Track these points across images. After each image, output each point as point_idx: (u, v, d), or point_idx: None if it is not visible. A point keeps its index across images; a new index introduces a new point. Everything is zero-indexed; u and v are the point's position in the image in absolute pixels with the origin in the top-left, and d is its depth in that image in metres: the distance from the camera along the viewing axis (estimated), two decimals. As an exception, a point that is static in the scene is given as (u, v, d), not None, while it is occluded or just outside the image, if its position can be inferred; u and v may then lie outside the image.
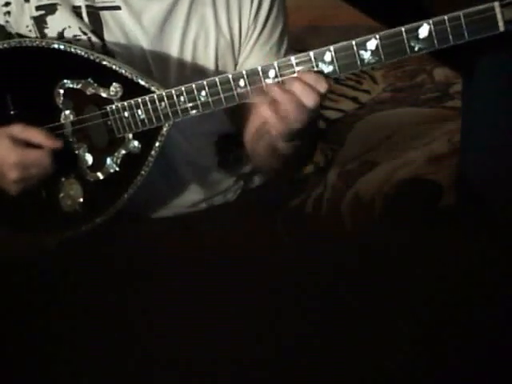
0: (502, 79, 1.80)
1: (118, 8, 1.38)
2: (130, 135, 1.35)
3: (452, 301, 1.35)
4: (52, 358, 1.28)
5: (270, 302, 1.32)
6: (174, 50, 1.42)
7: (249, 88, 1.24)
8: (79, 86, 1.35)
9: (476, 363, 1.24)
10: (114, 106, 1.34)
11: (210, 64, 1.45)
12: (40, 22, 1.39)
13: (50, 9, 1.38)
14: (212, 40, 1.44)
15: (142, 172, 1.36)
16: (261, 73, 1.23)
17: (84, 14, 1.38)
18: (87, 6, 1.38)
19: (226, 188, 1.62)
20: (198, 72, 1.43)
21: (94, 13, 1.38)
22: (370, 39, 1.17)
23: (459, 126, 2.04)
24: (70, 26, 1.38)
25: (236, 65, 1.49)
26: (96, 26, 1.38)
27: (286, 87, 1.21)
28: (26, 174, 1.34)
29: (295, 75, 1.21)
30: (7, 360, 1.27)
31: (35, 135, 1.34)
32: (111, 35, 1.39)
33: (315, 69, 1.21)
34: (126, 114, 1.33)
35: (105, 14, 1.38)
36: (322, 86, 1.20)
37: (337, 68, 1.20)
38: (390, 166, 2.37)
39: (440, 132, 2.50)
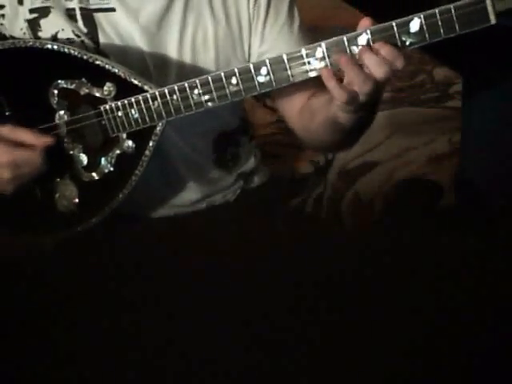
0: (502, 79, 1.80)
1: (112, 10, 1.38)
2: (124, 135, 1.35)
3: (452, 301, 1.35)
4: (53, 358, 1.28)
5: (269, 301, 1.32)
6: (172, 48, 1.42)
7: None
8: (73, 86, 1.35)
9: (476, 364, 1.24)
10: (107, 106, 1.33)
11: (210, 59, 1.44)
12: (34, 25, 1.38)
13: (43, 12, 1.38)
14: (210, 34, 1.43)
15: (137, 172, 1.36)
16: (252, 70, 1.23)
17: (78, 17, 1.38)
18: (81, 9, 1.38)
19: (225, 186, 1.61)
20: (199, 67, 1.43)
21: (88, 15, 1.38)
22: (360, 34, 1.17)
23: (459, 126, 2.04)
24: (63, 29, 1.38)
25: (249, 56, 1.48)
26: (90, 28, 1.38)
27: (356, 58, 1.18)
28: (19, 173, 1.33)
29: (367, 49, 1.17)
30: (7, 360, 1.27)
31: (25, 135, 1.34)
32: (106, 37, 1.38)
33: (307, 66, 1.21)
34: (120, 113, 1.32)
35: (99, 16, 1.38)
36: (399, 63, 1.16)
37: (328, 64, 1.20)
38: (390, 166, 2.38)
39: (440, 132, 2.51)
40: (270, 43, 1.45)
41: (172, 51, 1.42)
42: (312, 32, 1.51)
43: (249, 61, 1.48)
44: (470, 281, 1.37)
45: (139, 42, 1.39)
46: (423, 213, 2.12)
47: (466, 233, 1.63)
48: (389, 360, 1.24)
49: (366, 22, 1.18)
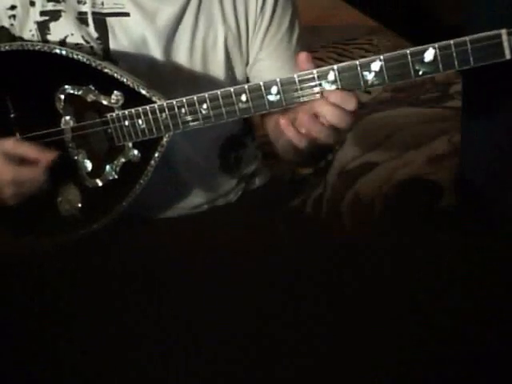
0: (502, 79, 1.80)
1: (126, 14, 1.37)
2: (130, 144, 1.34)
3: (452, 300, 1.35)
4: (55, 359, 1.28)
5: (270, 301, 1.32)
6: (183, 50, 1.42)
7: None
8: (80, 93, 1.34)
9: (476, 363, 1.25)
10: (114, 114, 1.33)
11: (219, 62, 1.44)
12: (43, 28, 1.37)
13: (54, 15, 1.37)
14: (220, 38, 1.43)
15: (141, 181, 1.35)
16: (263, 88, 1.22)
17: (90, 21, 1.37)
18: (93, 13, 1.37)
19: (228, 190, 1.61)
20: (208, 72, 1.43)
21: (100, 19, 1.37)
22: (374, 61, 1.16)
23: (459, 126, 2.04)
24: (72, 34, 1.37)
25: (248, 60, 1.48)
26: (101, 33, 1.37)
27: (312, 110, 1.19)
28: (21, 190, 1.33)
29: (318, 96, 1.19)
30: (7, 360, 1.28)
31: (29, 151, 1.33)
32: (117, 42, 1.38)
33: (318, 88, 1.20)
34: (127, 122, 1.32)
35: (112, 21, 1.37)
36: (351, 104, 1.17)
37: (340, 88, 1.18)
38: (390, 166, 2.38)
39: (440, 132, 2.51)
40: (268, 51, 1.46)
41: (183, 54, 1.42)
42: (311, 32, 1.50)
43: (246, 65, 1.49)
44: (470, 280, 1.37)
45: (153, 45, 1.39)
46: (423, 213, 2.12)
47: (466, 233, 1.64)
48: (389, 359, 1.25)
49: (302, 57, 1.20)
